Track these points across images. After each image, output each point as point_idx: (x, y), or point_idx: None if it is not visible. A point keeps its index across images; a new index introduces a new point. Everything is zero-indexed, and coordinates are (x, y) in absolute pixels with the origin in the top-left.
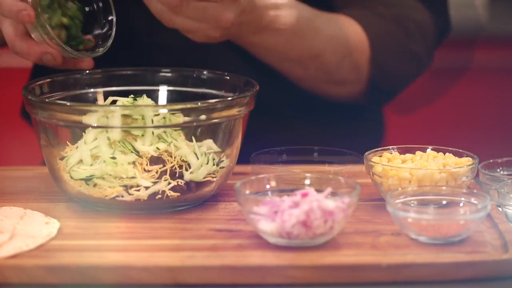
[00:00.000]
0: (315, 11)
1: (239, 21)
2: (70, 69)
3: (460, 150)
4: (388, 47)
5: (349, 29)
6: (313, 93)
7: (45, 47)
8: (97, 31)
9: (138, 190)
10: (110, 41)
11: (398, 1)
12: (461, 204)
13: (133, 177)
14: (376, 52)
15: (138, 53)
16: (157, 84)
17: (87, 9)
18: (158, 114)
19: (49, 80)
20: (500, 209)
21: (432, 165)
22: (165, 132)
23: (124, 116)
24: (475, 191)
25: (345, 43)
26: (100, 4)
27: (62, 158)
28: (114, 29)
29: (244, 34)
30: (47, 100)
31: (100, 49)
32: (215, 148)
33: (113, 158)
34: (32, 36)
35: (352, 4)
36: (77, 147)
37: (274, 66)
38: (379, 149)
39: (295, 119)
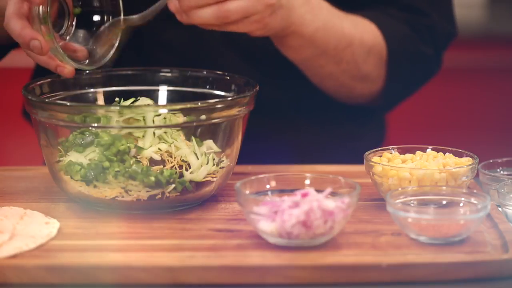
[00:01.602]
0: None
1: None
2: (49, 70)
3: (460, 150)
4: (403, 48)
5: (366, 25)
6: (338, 93)
7: (37, 34)
8: (93, 45)
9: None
10: (100, 64)
11: (409, 5)
12: (461, 204)
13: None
14: (392, 52)
15: (139, 53)
16: (157, 84)
17: (95, 18)
18: (159, 115)
19: (49, 80)
20: (500, 209)
21: (432, 165)
22: (165, 132)
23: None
24: (475, 191)
25: (367, 35)
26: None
27: (58, 161)
28: (108, 57)
29: (292, 10)
30: (47, 100)
31: (86, 62)
32: (215, 148)
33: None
34: (33, 17)
35: (365, 7)
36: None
37: (310, 64)
38: (379, 149)
39: (295, 119)
